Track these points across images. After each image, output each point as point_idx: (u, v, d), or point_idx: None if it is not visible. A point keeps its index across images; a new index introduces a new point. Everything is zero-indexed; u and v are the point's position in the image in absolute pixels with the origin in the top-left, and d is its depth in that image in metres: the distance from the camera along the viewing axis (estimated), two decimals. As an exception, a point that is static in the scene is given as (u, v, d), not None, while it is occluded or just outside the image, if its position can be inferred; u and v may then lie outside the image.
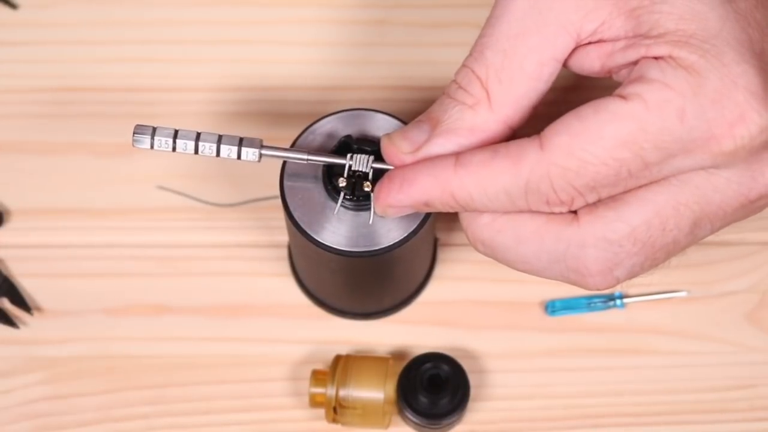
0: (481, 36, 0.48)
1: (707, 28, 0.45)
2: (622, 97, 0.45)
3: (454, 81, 0.49)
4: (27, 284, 0.65)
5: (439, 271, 0.66)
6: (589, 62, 0.48)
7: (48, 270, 0.66)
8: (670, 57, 0.45)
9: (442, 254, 0.66)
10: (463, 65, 0.49)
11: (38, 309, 0.65)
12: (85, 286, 0.66)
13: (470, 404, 0.63)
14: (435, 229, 0.64)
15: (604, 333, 0.65)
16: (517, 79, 0.47)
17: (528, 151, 0.46)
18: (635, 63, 0.46)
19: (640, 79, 0.45)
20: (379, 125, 0.55)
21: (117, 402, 0.64)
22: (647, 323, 0.65)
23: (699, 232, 0.48)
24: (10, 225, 0.66)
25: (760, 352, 0.65)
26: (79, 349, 0.65)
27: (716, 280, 0.66)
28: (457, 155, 0.47)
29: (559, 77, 0.48)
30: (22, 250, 0.66)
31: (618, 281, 0.48)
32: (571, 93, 0.48)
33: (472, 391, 0.62)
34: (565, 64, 0.48)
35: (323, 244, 0.54)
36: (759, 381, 0.64)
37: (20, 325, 0.65)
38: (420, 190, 0.48)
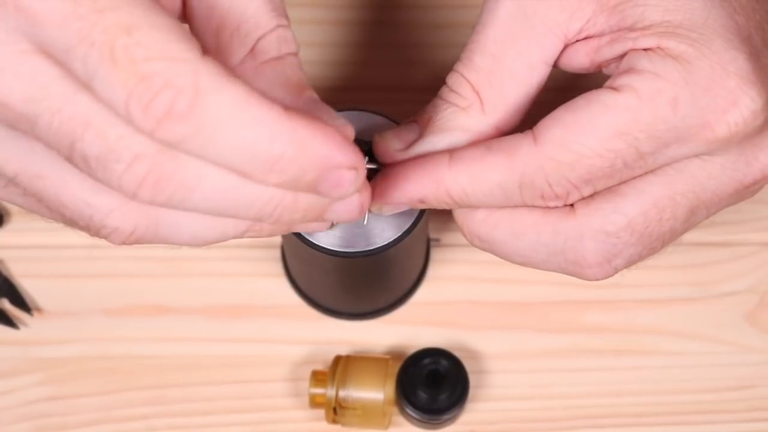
0: (469, 42, 0.48)
1: (693, 18, 0.45)
2: (614, 88, 0.45)
3: (446, 85, 0.49)
4: (27, 284, 0.66)
5: (437, 271, 0.66)
6: (578, 59, 0.48)
7: (48, 270, 0.66)
8: (659, 48, 0.45)
9: (440, 254, 0.66)
10: (453, 70, 0.49)
11: (38, 309, 0.65)
12: (85, 286, 0.66)
13: (469, 405, 0.63)
14: (429, 228, 0.64)
15: (604, 333, 0.65)
16: (508, 83, 0.47)
17: (522, 145, 0.45)
18: (623, 56, 0.46)
19: (630, 70, 0.45)
20: (371, 126, 0.54)
21: (117, 402, 0.64)
22: (647, 323, 0.65)
23: (695, 219, 0.48)
24: (10, 225, 0.66)
25: (760, 352, 0.65)
26: (79, 350, 0.65)
27: (716, 280, 0.66)
28: (451, 152, 0.47)
29: (551, 79, 0.48)
30: (22, 250, 0.66)
31: (616, 271, 0.48)
32: (564, 94, 0.48)
33: (471, 392, 0.62)
34: (555, 64, 0.48)
35: (317, 245, 0.53)
36: (758, 381, 0.64)
37: (20, 326, 0.65)
38: (415, 186, 0.48)
